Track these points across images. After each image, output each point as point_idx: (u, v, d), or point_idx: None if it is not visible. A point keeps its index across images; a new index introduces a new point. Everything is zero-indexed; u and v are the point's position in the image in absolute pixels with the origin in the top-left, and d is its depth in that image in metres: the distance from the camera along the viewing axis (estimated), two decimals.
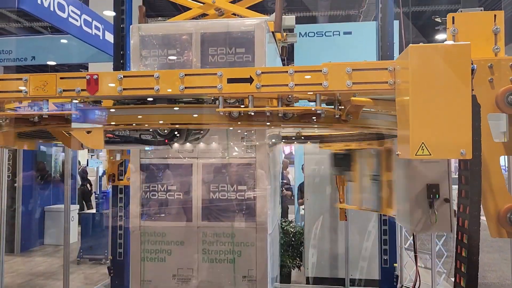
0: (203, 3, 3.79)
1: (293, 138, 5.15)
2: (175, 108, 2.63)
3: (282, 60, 6.36)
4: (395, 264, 5.95)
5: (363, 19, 17.37)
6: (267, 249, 4.47)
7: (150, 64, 4.23)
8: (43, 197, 13.84)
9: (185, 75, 2.42)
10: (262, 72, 2.38)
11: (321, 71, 2.33)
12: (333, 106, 2.63)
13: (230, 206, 4.49)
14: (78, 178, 16.65)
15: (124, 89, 2.46)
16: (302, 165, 10.16)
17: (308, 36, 14.67)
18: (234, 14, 3.63)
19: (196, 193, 4.53)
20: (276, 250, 5.86)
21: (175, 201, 4.58)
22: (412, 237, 5.87)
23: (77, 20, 10.40)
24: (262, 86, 2.37)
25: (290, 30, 5.36)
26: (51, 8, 9.46)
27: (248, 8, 4.70)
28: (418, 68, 2.00)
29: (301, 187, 10.67)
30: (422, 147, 2.00)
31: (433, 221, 2.96)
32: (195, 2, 3.98)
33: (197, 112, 2.57)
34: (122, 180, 5.76)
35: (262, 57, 4.02)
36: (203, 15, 4.42)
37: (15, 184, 12.46)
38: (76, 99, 2.53)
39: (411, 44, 2.01)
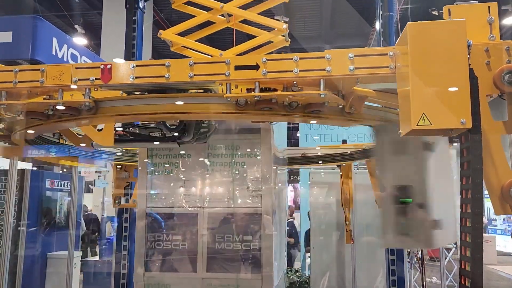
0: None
1: (298, 159, 5.23)
2: (178, 103, 2.72)
3: None
4: None
5: None
6: None
7: None
8: (47, 243, 13.66)
9: (195, 63, 2.54)
10: (268, 60, 2.49)
11: (324, 57, 2.44)
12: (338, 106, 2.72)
13: (236, 256, 4.38)
14: (83, 223, 16.53)
15: (136, 77, 2.58)
16: (308, 212, 10.05)
17: None
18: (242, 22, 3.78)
19: (201, 243, 4.40)
20: None
21: (180, 251, 4.47)
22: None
23: None
24: (268, 72, 2.48)
25: None
26: (65, 58, 9.89)
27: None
28: (416, 43, 2.10)
29: (307, 234, 10.54)
30: (423, 117, 2.06)
31: (404, 232, 2.58)
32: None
33: (204, 101, 2.65)
34: (128, 202, 5.78)
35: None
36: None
37: (18, 228, 12.38)
38: (90, 88, 2.63)
39: (409, 22, 2.13)
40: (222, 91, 2.61)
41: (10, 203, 6.35)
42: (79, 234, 15.44)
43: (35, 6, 16.26)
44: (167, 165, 4.32)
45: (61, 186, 12.05)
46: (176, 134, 2.97)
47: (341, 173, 5.60)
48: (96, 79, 2.61)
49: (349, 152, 5.01)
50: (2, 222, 7.64)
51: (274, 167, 4.26)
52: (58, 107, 2.67)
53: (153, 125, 3.15)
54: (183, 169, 4.30)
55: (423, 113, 2.06)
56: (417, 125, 2.07)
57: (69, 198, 13.16)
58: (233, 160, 4.23)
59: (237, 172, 4.22)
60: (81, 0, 17.44)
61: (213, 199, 4.28)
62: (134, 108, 2.71)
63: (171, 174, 4.29)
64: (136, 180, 5.29)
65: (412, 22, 2.13)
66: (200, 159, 4.32)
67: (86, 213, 17.99)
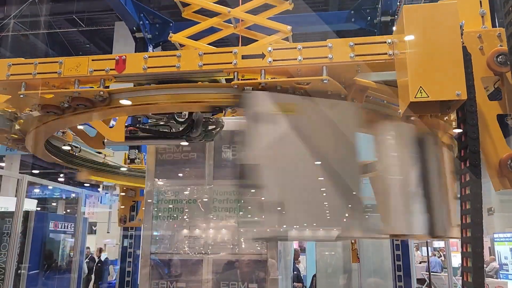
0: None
1: None
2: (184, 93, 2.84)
3: None
4: None
5: None
6: None
7: (165, 159, 4.38)
8: (48, 287, 13.45)
9: (204, 53, 2.70)
10: (274, 49, 2.65)
11: (326, 46, 2.59)
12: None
13: None
14: (85, 266, 16.29)
15: (148, 67, 2.74)
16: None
17: None
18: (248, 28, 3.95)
19: None
20: None
21: None
22: None
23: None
24: (274, 60, 2.63)
25: None
26: None
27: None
28: (412, 23, 2.26)
29: (314, 278, 10.35)
30: (421, 90, 2.18)
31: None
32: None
33: (212, 91, 2.78)
34: (133, 221, 5.80)
35: None
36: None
37: (19, 271, 12.22)
38: (104, 78, 2.78)
39: (404, 5, 2.29)
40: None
41: (14, 246, 6.34)
42: (80, 275, 15.19)
43: (46, 50, 16.91)
44: (172, 211, 4.29)
45: (64, 227, 12.01)
46: (184, 128, 3.07)
47: None
48: (111, 69, 2.77)
49: None
50: (3, 265, 7.58)
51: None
52: (73, 96, 2.80)
53: (162, 123, 3.27)
54: (187, 215, 4.26)
55: (420, 87, 2.18)
56: (415, 97, 2.18)
57: (72, 240, 13.08)
58: (239, 205, 4.20)
59: (242, 217, 4.17)
60: (91, 45, 18.15)
61: (218, 244, 4.21)
62: (145, 98, 2.84)
63: (176, 220, 4.26)
64: (142, 199, 5.35)
65: (407, 5, 2.29)
66: (205, 204, 4.28)
67: (90, 255, 17.76)
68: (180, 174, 4.38)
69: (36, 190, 23.27)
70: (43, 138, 3.58)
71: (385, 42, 2.54)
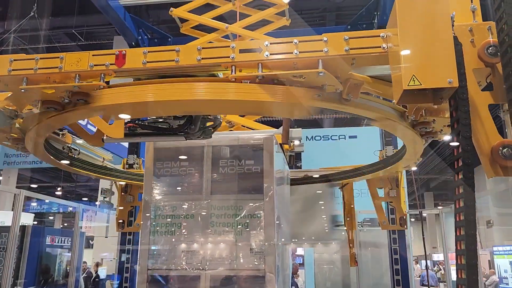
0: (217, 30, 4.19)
1: (301, 179, 5.31)
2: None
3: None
4: None
5: (367, 121, 18.15)
6: None
7: (163, 174, 4.35)
8: None
9: (202, 48, 2.76)
10: (271, 43, 2.71)
11: (322, 40, 2.66)
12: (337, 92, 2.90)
13: None
14: (81, 282, 16.13)
15: (148, 62, 2.79)
16: None
17: (315, 139, 15.36)
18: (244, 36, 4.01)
19: None
20: None
21: None
22: None
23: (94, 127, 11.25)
24: (271, 54, 2.70)
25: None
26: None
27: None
28: (405, 14, 2.33)
29: None
30: (413, 78, 2.24)
31: None
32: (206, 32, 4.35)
33: (210, 86, 2.83)
34: (131, 227, 5.79)
35: (270, 169, 4.16)
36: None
37: (14, 287, 12.08)
38: (105, 73, 2.83)
39: None
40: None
41: (10, 261, 6.29)
42: None
43: None
44: (170, 225, 4.24)
45: (61, 242, 11.94)
46: (182, 124, 3.11)
47: (343, 195, 5.67)
48: (111, 64, 2.82)
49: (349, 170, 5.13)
50: None
51: (278, 222, 4.20)
52: (74, 91, 2.85)
53: (161, 120, 3.31)
54: (185, 230, 4.20)
55: (413, 75, 2.24)
56: (408, 85, 2.23)
57: (69, 254, 12.99)
58: (236, 220, 4.16)
59: (240, 232, 4.14)
60: None
61: (215, 260, 4.15)
62: (144, 94, 2.89)
63: (174, 235, 4.21)
64: (140, 204, 5.36)
65: None
66: (203, 219, 4.23)
67: (87, 269, 17.61)
68: (178, 189, 4.36)
69: (34, 204, 23.19)
70: (43, 136, 3.61)
71: (379, 36, 2.61)
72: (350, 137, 14.83)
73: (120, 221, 5.76)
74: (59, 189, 24.13)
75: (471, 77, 2.46)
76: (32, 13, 13.68)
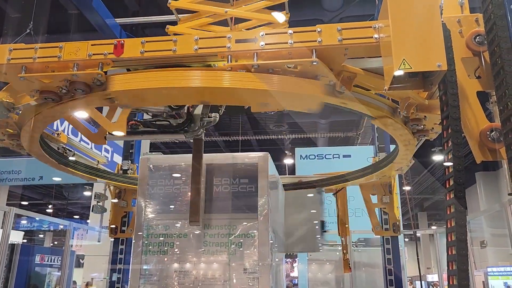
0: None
1: (295, 184, 5.34)
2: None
3: None
4: None
5: (361, 140, 18.30)
6: None
7: (156, 192, 4.31)
8: None
9: (199, 38, 2.84)
10: (266, 34, 2.79)
11: (315, 30, 2.74)
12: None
13: None
14: None
15: (146, 51, 2.86)
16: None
17: (309, 158, 15.42)
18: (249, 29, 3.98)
19: None
20: None
21: None
22: None
23: (88, 144, 11.23)
24: (266, 44, 2.77)
25: None
26: (65, 132, 10.28)
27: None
28: (396, 4, 2.41)
29: None
30: (404, 62, 2.31)
31: None
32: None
33: (207, 74, 2.89)
34: (124, 232, 5.75)
35: (265, 188, 4.15)
36: None
37: None
38: (103, 62, 2.89)
39: None
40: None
41: None
42: None
43: None
44: (162, 245, 4.19)
45: (51, 261, 11.78)
46: (182, 122, 3.16)
47: (337, 201, 5.70)
48: (109, 53, 2.88)
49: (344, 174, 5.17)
50: None
51: (272, 241, 4.16)
52: (72, 80, 2.89)
53: (161, 119, 3.37)
54: (178, 249, 4.15)
55: (404, 59, 2.31)
56: (398, 68, 2.31)
57: (59, 273, 12.79)
58: (230, 239, 4.11)
59: (233, 252, 4.09)
60: None
61: (208, 280, 4.08)
62: (142, 83, 2.94)
63: (166, 254, 4.16)
64: (134, 209, 5.35)
65: None
66: (196, 238, 4.18)
67: None
68: (172, 208, 4.31)
69: (24, 222, 22.91)
70: (39, 130, 3.64)
71: (371, 27, 2.69)
72: (344, 156, 14.93)
73: (113, 226, 5.72)
74: (50, 206, 23.88)
75: (460, 66, 2.54)
76: (28, 30, 13.81)
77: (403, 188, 10.46)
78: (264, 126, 18.41)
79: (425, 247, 26.04)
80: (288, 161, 18.96)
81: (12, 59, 2.94)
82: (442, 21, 2.40)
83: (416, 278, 20.60)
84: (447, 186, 2.33)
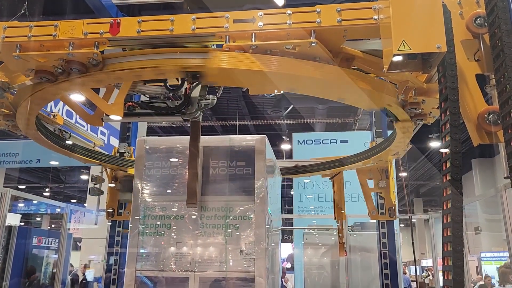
0: None
1: (293, 168, 5.35)
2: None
3: None
4: None
5: (359, 126, 18.31)
6: None
7: (153, 174, 4.30)
8: None
9: (197, 17, 2.80)
10: (264, 14, 2.75)
11: (315, 11, 2.71)
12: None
13: None
14: (69, 282, 15.94)
15: (142, 30, 2.82)
16: None
17: (306, 143, 15.40)
18: None
19: None
20: None
21: None
22: None
23: (83, 126, 11.17)
24: (264, 25, 2.74)
25: None
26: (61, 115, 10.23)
27: None
28: None
29: None
30: (403, 43, 2.29)
31: None
32: None
33: (202, 56, 2.86)
34: (121, 215, 5.76)
35: (262, 171, 4.14)
36: None
37: None
38: (99, 41, 2.85)
39: None
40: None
41: None
42: None
43: None
44: (159, 227, 4.17)
45: (48, 243, 11.80)
46: (180, 103, 3.14)
47: (333, 186, 5.71)
48: (105, 32, 2.84)
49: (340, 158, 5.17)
50: None
51: (268, 225, 4.13)
52: (68, 59, 2.86)
53: (160, 100, 3.35)
54: (175, 231, 4.13)
55: (403, 40, 2.29)
56: (398, 50, 2.28)
57: (56, 256, 12.85)
58: (227, 222, 4.10)
59: (230, 234, 4.07)
60: None
61: (205, 262, 4.08)
62: (138, 63, 2.91)
63: (163, 236, 4.14)
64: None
65: None
66: (193, 220, 4.16)
67: (73, 271, 17.43)
68: (169, 190, 4.28)
69: (21, 205, 22.93)
70: (35, 111, 3.61)
71: (371, 8, 2.66)
72: (341, 141, 14.93)
73: (110, 210, 5.72)
74: (47, 190, 23.89)
75: (460, 48, 2.52)
76: (22, 11, 13.64)
77: (400, 174, 10.49)
78: (262, 111, 18.38)
79: (420, 232, 26.28)
80: (285, 146, 18.97)
81: (6, 37, 2.90)
82: (443, 2, 2.37)
83: (410, 263, 20.83)
84: (444, 168, 2.33)
